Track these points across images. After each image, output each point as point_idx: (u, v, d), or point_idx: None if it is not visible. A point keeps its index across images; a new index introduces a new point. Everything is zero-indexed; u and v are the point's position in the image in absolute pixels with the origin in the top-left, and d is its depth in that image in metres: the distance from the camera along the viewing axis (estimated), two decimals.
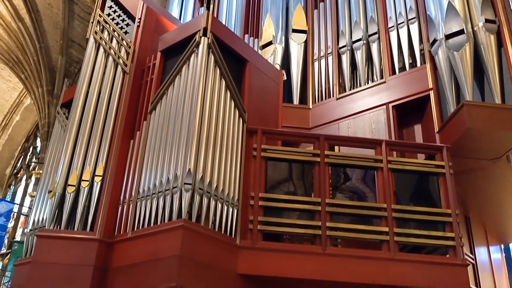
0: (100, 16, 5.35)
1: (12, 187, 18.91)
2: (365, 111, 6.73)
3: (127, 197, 4.43)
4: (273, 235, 4.47)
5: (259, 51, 7.76)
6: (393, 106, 6.52)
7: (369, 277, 4.20)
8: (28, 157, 18.85)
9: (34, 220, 5.28)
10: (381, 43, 7.00)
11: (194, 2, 9.52)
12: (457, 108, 5.51)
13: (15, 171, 19.21)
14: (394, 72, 6.74)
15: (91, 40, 5.27)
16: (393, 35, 6.90)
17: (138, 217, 4.23)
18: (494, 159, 5.77)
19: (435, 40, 6.12)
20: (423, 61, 6.49)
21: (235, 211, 4.28)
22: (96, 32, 5.25)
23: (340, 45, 7.44)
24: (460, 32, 5.80)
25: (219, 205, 4.15)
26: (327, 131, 6.80)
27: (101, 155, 4.62)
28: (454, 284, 4.27)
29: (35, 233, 4.58)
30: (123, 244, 4.21)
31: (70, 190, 4.44)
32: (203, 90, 4.45)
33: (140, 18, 5.37)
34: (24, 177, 18.37)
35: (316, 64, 7.63)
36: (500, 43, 5.72)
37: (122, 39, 5.25)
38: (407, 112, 6.55)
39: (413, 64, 6.67)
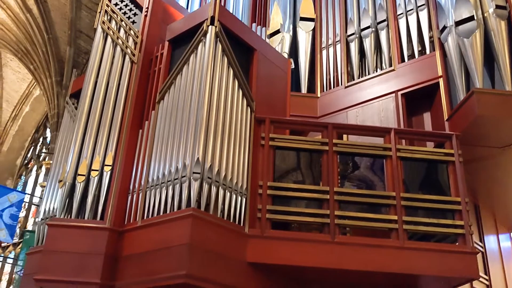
0: (107, 6, 5.35)
1: (23, 178, 19.09)
2: (374, 99, 6.70)
3: (136, 186, 4.46)
4: (281, 224, 4.48)
5: (267, 40, 7.73)
6: (402, 94, 6.47)
7: (378, 266, 4.20)
8: (38, 147, 18.99)
9: (45, 210, 5.34)
10: (390, 31, 6.93)
11: None
12: (467, 95, 5.46)
13: (26, 161, 19.37)
14: (403, 60, 6.68)
15: (99, 30, 5.27)
16: (402, 22, 6.83)
17: (147, 206, 4.25)
18: (504, 146, 5.73)
19: (444, 27, 6.05)
20: (433, 49, 6.43)
21: (244, 200, 4.29)
22: (103, 22, 5.26)
23: (349, 33, 7.38)
24: (470, 18, 5.72)
25: (228, 194, 4.17)
26: (335, 120, 6.77)
27: (110, 144, 4.64)
28: (464, 272, 4.26)
29: (46, 222, 4.63)
30: (133, 233, 4.24)
31: (80, 179, 4.48)
32: (211, 79, 4.44)
33: (147, 8, 5.36)
34: (35, 168, 18.52)
35: (324, 52, 7.59)
36: (511, 30, 5.64)
37: (130, 29, 5.25)
38: (416, 100, 6.50)
39: (422, 52, 6.61)
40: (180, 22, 5.16)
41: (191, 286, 3.75)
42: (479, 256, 5.99)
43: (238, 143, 4.47)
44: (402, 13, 6.86)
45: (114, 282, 4.14)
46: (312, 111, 7.15)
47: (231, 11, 8.27)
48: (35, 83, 16.92)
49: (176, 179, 4.11)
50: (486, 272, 6.40)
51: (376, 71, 6.92)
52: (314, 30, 7.75)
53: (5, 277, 16.29)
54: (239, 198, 4.25)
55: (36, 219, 6.53)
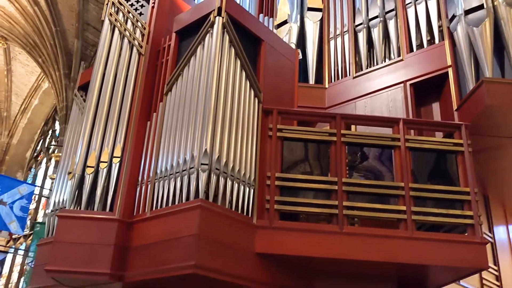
0: None
1: (32, 170, 19.27)
2: (382, 89, 6.65)
3: (145, 178, 4.48)
4: (290, 215, 4.49)
5: (274, 30, 7.69)
6: (410, 84, 6.42)
7: (386, 256, 4.20)
8: (47, 140, 19.14)
9: (55, 201, 5.38)
10: (398, 20, 6.87)
11: None
12: (476, 85, 5.41)
13: (35, 154, 19.54)
14: (411, 50, 6.62)
15: (106, 22, 5.27)
16: (410, 11, 6.76)
17: (156, 198, 4.28)
18: None
19: (454, 16, 5.99)
20: (442, 38, 6.37)
21: (252, 191, 4.30)
22: (111, 14, 5.26)
23: (357, 23, 7.32)
24: (480, 7, 5.66)
25: (236, 185, 4.17)
26: (344, 111, 6.74)
27: (119, 136, 4.66)
28: (473, 262, 4.25)
29: (56, 214, 4.67)
30: (142, 224, 4.27)
31: (89, 171, 4.51)
32: (218, 70, 4.44)
33: None
34: (44, 160, 18.68)
35: (332, 42, 7.54)
36: None
37: (137, 21, 5.25)
38: (425, 90, 6.45)
39: (431, 41, 6.55)
40: (187, 13, 5.15)
41: (199, 277, 3.78)
42: (488, 246, 5.96)
43: (246, 134, 4.46)
44: (410, 2, 6.79)
45: (123, 272, 4.18)
46: (320, 102, 7.12)
47: (238, 2, 8.24)
48: (44, 76, 17.01)
49: (184, 170, 4.12)
50: (496, 262, 6.38)
51: (385, 61, 6.87)
52: (321, 20, 7.69)
53: (17, 269, 16.50)
54: (247, 189, 4.26)
55: (46, 211, 6.59)
